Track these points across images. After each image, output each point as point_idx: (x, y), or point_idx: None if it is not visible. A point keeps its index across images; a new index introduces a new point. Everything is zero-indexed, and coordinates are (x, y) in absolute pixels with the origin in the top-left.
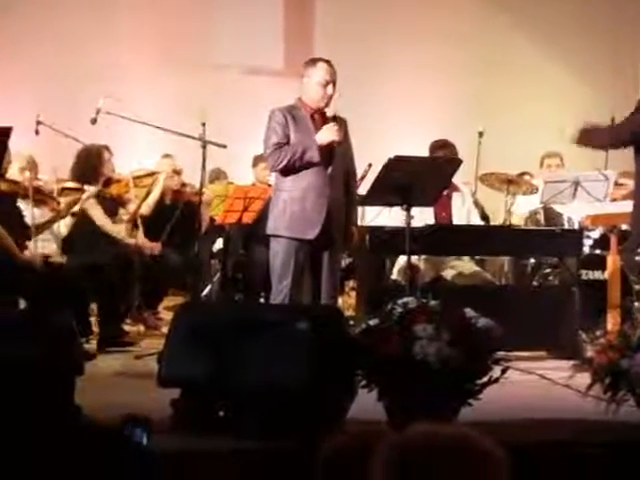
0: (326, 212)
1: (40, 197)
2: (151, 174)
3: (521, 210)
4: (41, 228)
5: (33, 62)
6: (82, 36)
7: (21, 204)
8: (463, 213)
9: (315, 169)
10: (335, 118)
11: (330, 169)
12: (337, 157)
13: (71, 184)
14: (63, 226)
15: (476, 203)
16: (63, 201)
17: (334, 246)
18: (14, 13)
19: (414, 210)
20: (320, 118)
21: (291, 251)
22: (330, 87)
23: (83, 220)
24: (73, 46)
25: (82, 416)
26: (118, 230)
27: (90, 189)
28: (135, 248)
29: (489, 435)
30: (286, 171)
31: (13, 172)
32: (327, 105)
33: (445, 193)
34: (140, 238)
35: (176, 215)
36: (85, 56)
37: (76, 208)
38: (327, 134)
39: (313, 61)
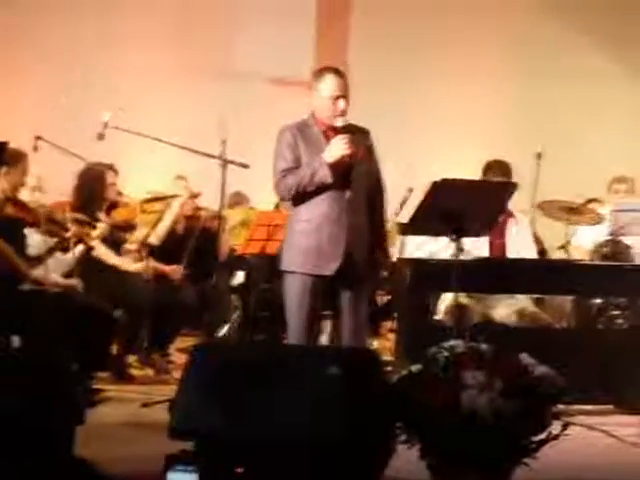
0: (346, 243)
1: (51, 227)
2: (163, 198)
3: (582, 242)
4: (42, 259)
5: (33, 71)
6: (86, 43)
7: (27, 232)
8: (518, 243)
9: (330, 195)
10: (345, 128)
11: (348, 193)
12: (357, 178)
13: (81, 217)
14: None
15: (534, 234)
16: (70, 233)
17: (358, 281)
18: (15, 12)
19: (464, 242)
20: (335, 135)
21: (306, 288)
22: (341, 101)
23: (89, 256)
24: (76, 54)
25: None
26: (123, 262)
27: (101, 226)
28: (147, 276)
29: None
30: (298, 199)
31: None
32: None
33: (500, 219)
34: (151, 263)
35: (191, 244)
36: (90, 65)
37: (80, 247)
38: (335, 149)
39: (320, 72)
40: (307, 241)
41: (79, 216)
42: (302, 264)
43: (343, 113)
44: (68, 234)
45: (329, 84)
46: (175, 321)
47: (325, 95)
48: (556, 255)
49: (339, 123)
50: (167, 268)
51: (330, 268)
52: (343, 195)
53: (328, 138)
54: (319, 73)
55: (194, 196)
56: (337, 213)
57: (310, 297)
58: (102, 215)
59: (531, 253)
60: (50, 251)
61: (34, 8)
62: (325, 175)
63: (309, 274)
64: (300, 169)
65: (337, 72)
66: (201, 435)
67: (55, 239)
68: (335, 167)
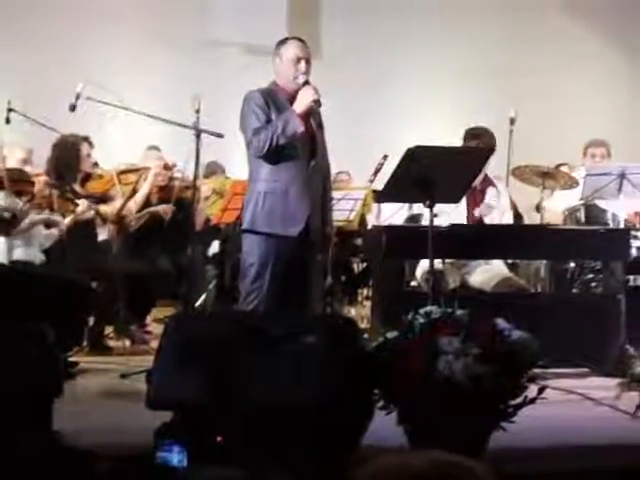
0: (309, 209)
1: (19, 187)
2: (137, 170)
3: (558, 207)
4: (17, 219)
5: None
6: (58, 10)
7: None
8: (497, 212)
9: (298, 161)
10: (307, 82)
11: (313, 162)
12: (319, 150)
13: (64, 192)
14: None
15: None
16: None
17: (313, 247)
18: None
19: (443, 208)
20: None
21: (271, 249)
22: (303, 63)
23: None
24: (47, 22)
25: (63, 444)
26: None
27: (83, 203)
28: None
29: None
30: (270, 155)
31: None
32: (303, 85)
33: (479, 188)
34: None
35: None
36: (61, 33)
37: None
38: (304, 97)
39: (282, 40)
40: (273, 201)
41: (63, 192)
42: (267, 224)
43: (305, 73)
44: (34, 189)
45: (291, 48)
46: (151, 292)
47: (287, 58)
48: (531, 217)
49: (301, 80)
50: (159, 207)
51: (295, 229)
52: (309, 163)
53: (292, 105)
54: (282, 41)
55: (168, 167)
56: (303, 179)
57: (275, 258)
58: (77, 187)
59: (509, 221)
60: (22, 210)
61: None
62: (296, 124)
63: (274, 235)
64: (271, 123)
65: (300, 40)
66: (179, 405)
67: (25, 198)
68: (304, 117)
